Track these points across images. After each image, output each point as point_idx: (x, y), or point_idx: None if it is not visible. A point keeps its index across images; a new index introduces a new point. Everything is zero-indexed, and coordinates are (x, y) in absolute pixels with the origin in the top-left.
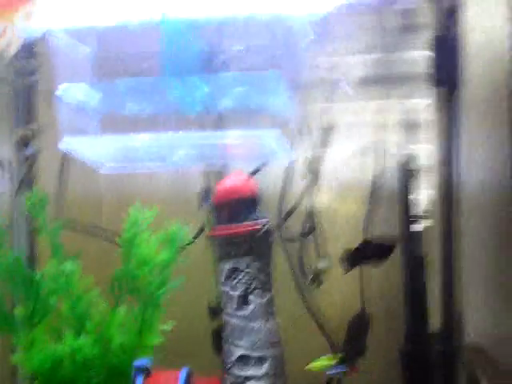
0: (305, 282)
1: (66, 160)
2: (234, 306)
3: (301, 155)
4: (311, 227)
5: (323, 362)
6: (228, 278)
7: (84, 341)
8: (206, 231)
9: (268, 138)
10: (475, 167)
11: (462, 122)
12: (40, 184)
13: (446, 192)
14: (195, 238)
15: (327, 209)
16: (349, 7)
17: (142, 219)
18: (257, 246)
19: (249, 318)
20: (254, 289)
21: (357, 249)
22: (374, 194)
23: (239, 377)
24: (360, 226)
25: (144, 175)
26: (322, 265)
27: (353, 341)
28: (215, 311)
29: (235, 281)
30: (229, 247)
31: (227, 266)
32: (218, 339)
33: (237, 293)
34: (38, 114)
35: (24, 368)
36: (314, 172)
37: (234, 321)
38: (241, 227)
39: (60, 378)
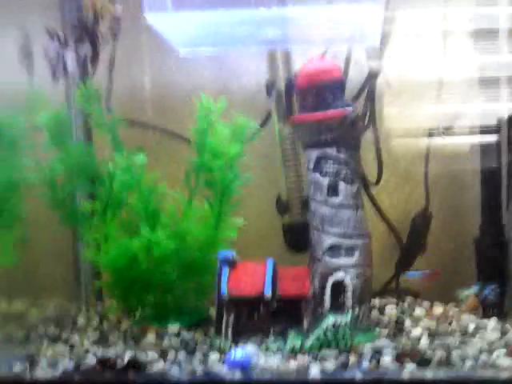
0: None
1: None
2: (324, 193)
3: None
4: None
5: None
6: (317, 165)
7: (160, 235)
8: (277, 120)
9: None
10: None
11: None
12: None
13: None
14: (262, 125)
15: None
16: None
17: (213, 110)
18: (345, 134)
19: (339, 206)
20: (344, 177)
21: None
22: None
23: (331, 264)
24: None
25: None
26: None
27: (415, 237)
28: (285, 206)
29: (325, 168)
30: (316, 134)
31: (315, 153)
32: (290, 234)
33: (326, 180)
34: None
35: (97, 264)
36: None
37: (323, 209)
38: (330, 113)
39: (135, 273)
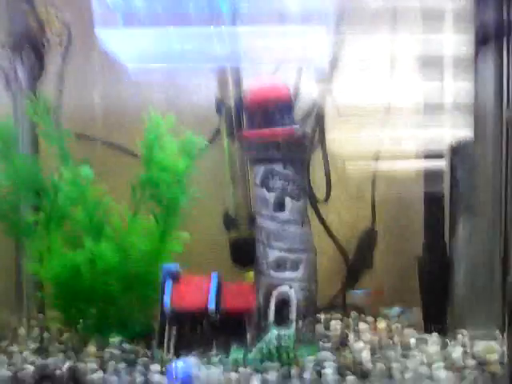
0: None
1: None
2: (270, 208)
3: None
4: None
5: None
6: (263, 181)
7: (105, 247)
8: (225, 136)
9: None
10: None
11: None
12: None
13: None
14: (210, 142)
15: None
16: None
17: (161, 125)
18: (292, 151)
19: (285, 221)
20: (291, 193)
21: None
22: None
23: (275, 278)
24: None
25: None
26: None
27: (361, 253)
28: (232, 221)
29: (271, 184)
30: (263, 150)
31: (262, 169)
32: (236, 249)
33: (273, 195)
34: None
35: (39, 276)
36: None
37: (269, 223)
38: (277, 130)
39: (79, 286)
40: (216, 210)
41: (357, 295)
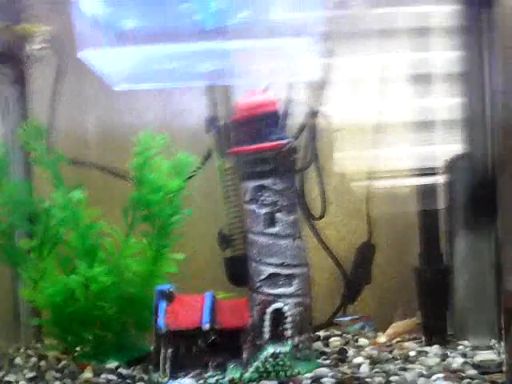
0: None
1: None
2: (261, 224)
3: None
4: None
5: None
6: (254, 196)
7: (98, 270)
8: (217, 155)
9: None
10: None
11: None
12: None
13: None
14: (203, 162)
15: None
16: None
17: (152, 144)
18: (282, 164)
19: (277, 236)
20: (281, 207)
21: None
22: None
23: (269, 295)
24: None
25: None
26: None
27: (359, 269)
28: (227, 240)
29: (262, 199)
30: (252, 166)
31: (252, 184)
32: (231, 268)
33: (263, 211)
34: None
35: (34, 302)
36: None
37: (261, 239)
38: (267, 144)
39: (73, 310)
40: (210, 229)
41: (345, 322)
